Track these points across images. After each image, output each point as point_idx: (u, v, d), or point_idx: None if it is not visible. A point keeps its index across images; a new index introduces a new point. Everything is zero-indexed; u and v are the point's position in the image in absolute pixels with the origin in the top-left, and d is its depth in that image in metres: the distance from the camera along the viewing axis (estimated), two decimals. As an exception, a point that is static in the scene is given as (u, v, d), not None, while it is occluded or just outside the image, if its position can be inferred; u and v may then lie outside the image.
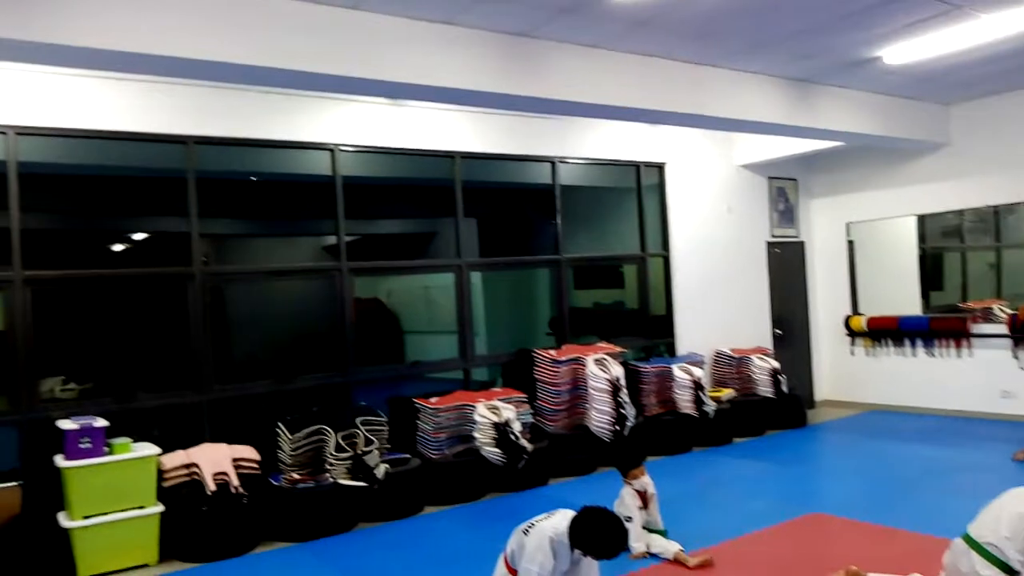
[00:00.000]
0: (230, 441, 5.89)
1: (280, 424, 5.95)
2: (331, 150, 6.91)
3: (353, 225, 7.28)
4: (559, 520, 3.51)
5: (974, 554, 3.48)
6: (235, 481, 5.48)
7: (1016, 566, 3.35)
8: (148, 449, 5.40)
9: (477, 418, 6.60)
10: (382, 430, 6.34)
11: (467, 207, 7.67)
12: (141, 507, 5.25)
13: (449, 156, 7.54)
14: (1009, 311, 8.57)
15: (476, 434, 6.58)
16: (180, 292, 6.29)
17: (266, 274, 7.72)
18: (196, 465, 5.50)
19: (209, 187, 6.55)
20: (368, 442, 6.08)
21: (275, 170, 7.33)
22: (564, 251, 8.27)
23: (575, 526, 3.42)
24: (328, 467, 5.90)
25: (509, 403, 6.84)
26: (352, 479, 5.90)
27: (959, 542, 3.60)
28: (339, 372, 6.93)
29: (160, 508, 5.30)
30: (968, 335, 8.81)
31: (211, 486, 5.37)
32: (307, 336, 8.39)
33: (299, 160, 7.00)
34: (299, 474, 5.86)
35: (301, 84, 5.44)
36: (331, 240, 7.37)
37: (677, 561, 4.71)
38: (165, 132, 6.13)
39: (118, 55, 4.36)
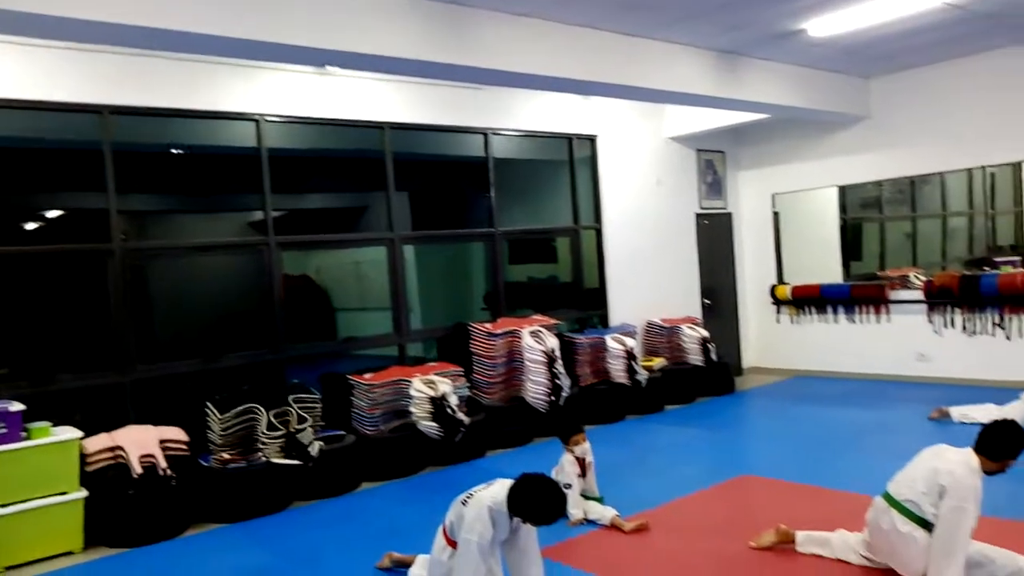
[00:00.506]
0: (156, 422, 5.69)
1: (209, 404, 5.78)
2: (256, 121, 6.69)
3: (280, 200, 7.09)
4: (497, 489, 3.51)
5: (893, 511, 3.63)
6: (163, 463, 5.31)
7: (932, 519, 3.51)
8: (69, 433, 5.18)
9: (413, 393, 6.55)
10: (315, 407, 6.23)
11: (399, 181, 7.54)
12: (64, 493, 5.04)
13: (378, 127, 7.39)
14: (924, 278, 8.94)
15: (412, 409, 6.53)
16: (99, 270, 6.02)
17: (189, 250, 7.45)
18: (121, 448, 5.31)
19: (127, 160, 6.26)
20: (301, 420, 5.97)
21: (197, 142, 7.06)
22: (498, 225, 8.24)
23: (513, 494, 3.43)
24: (260, 446, 5.78)
25: (445, 377, 6.81)
26: (285, 457, 5.79)
27: (880, 500, 3.75)
28: (269, 350, 6.77)
29: (84, 493, 5.10)
30: (886, 301, 9.17)
31: (137, 469, 5.19)
32: (235, 314, 8.16)
33: (222, 131, 6.76)
34: (230, 454, 5.72)
35: (223, 51, 5.23)
36: (258, 216, 7.15)
37: (613, 526, 4.78)
38: (78, 101, 5.82)
39: (22, 17, 4.10)
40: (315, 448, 5.87)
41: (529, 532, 3.63)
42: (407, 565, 4.21)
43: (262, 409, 5.81)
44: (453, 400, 6.59)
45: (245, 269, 7.61)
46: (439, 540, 3.66)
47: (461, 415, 6.60)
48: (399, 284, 7.56)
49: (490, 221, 8.22)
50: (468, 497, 3.55)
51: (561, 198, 8.97)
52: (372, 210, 8.61)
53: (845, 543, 4.02)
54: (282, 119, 6.86)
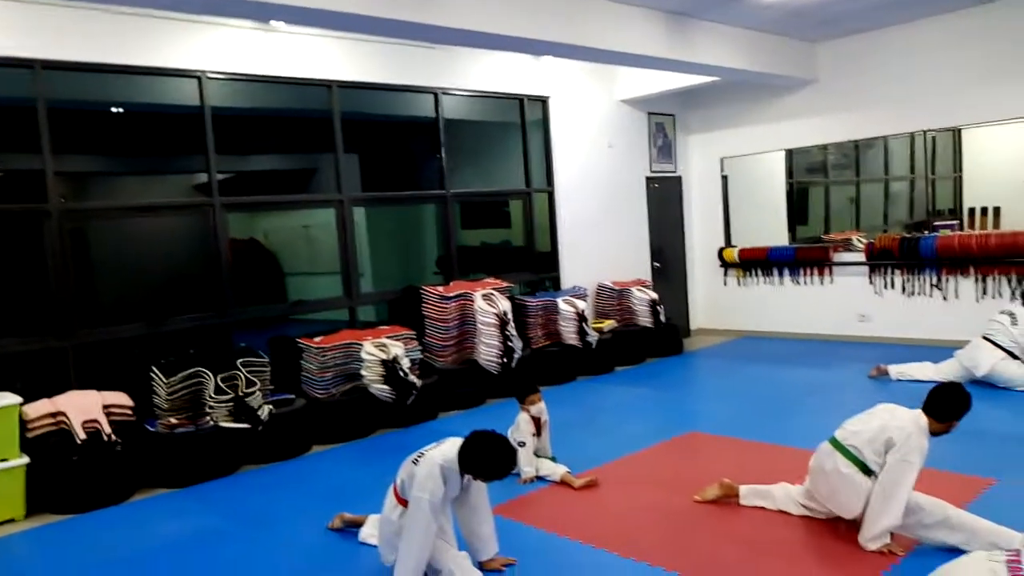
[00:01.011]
0: (100, 387, 5.58)
1: (154, 368, 5.68)
2: (198, 77, 6.49)
3: (226, 162, 6.91)
4: (448, 447, 3.53)
5: (838, 454, 3.80)
6: (107, 428, 5.22)
7: (872, 466, 3.68)
8: (7, 398, 5.04)
9: (364, 356, 6.52)
10: (264, 371, 6.17)
11: (348, 142, 7.42)
12: (4, 460, 4.92)
13: (326, 85, 7.23)
14: (867, 241, 9.17)
15: (364, 372, 6.51)
16: (36, 232, 5.82)
17: (130, 211, 7.23)
18: (63, 414, 5.19)
19: (64, 119, 6.04)
20: (249, 384, 5.90)
21: (138, 100, 6.82)
22: (450, 187, 8.18)
23: (464, 450, 3.45)
24: (208, 410, 5.70)
25: (397, 340, 6.79)
26: (234, 421, 5.73)
27: (825, 445, 3.92)
28: (215, 313, 6.65)
29: (25, 460, 4.98)
30: (830, 264, 9.39)
31: (80, 435, 5.09)
32: (180, 277, 7.98)
33: (164, 89, 6.53)
34: (177, 418, 5.64)
35: (164, 4, 5.05)
36: (203, 178, 6.97)
37: (564, 483, 4.86)
38: (9, 55, 5.57)
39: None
40: (264, 412, 5.82)
41: (480, 489, 3.67)
42: (358, 525, 4.23)
43: (209, 373, 5.72)
44: (405, 363, 6.59)
45: (191, 231, 7.42)
46: (390, 499, 3.68)
47: (413, 378, 6.60)
48: (349, 247, 7.48)
49: (441, 183, 8.15)
50: (419, 456, 3.57)
51: (513, 161, 8.93)
52: (322, 172, 8.46)
53: (787, 495, 4.17)
54: (225, 76, 6.67)
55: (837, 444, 3.84)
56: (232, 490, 5.33)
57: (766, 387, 7.48)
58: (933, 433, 3.63)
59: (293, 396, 6.37)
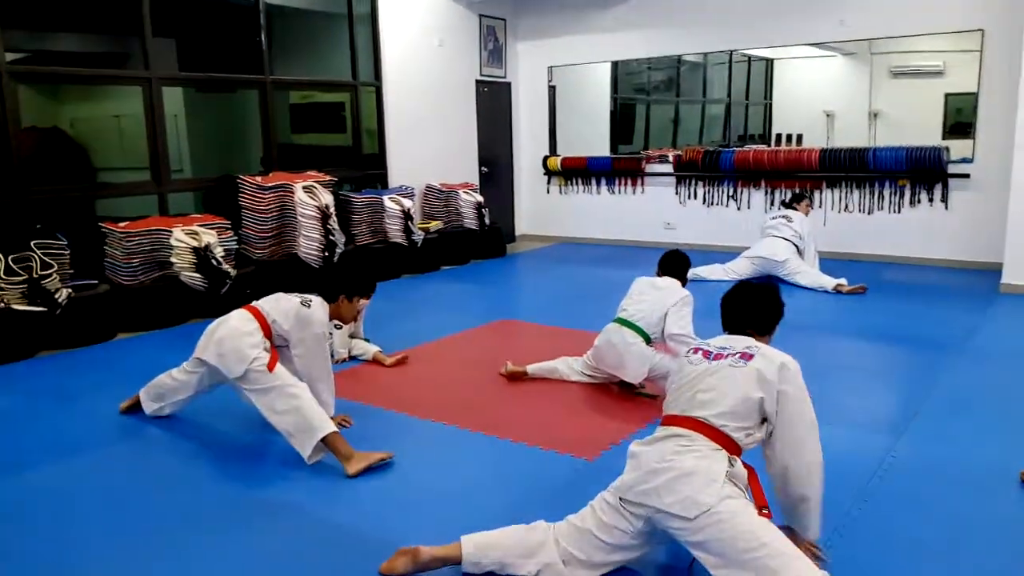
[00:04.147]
0: None
1: (-68, 247, 5.25)
2: (-23, -72, 5.82)
3: (19, 39, 6.27)
4: (308, 297, 3.94)
5: (625, 329, 4.27)
6: None
7: (653, 336, 4.25)
8: None
9: (174, 243, 6.31)
10: (63, 254, 5.83)
11: (163, 25, 6.93)
12: None
13: (133, -46, 6.70)
14: (675, 154, 9.82)
15: (174, 259, 6.32)
16: None
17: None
18: None
19: None
20: (46, 266, 5.59)
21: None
22: (270, 73, 7.89)
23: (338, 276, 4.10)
24: (-2, 292, 5.37)
25: (211, 229, 6.61)
26: (29, 304, 5.44)
27: (612, 325, 4.37)
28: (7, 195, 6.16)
29: None
30: (643, 174, 9.99)
31: None
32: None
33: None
34: (-39, 301, 5.28)
35: None
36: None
37: (376, 361, 5.06)
38: None
39: None
40: (63, 295, 5.55)
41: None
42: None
43: (-2, 254, 5.37)
44: (219, 252, 6.45)
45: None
46: (255, 337, 3.75)
47: (227, 267, 6.49)
48: (158, 132, 7.09)
49: (262, 68, 7.85)
50: (307, 300, 3.87)
51: (341, 54, 8.71)
52: (135, 58, 7.88)
53: (568, 366, 4.68)
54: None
55: (624, 322, 4.30)
56: (29, 373, 5.12)
57: (577, 284, 8.00)
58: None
59: (96, 281, 6.10)
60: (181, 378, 4.01)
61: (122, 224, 6.31)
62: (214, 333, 3.82)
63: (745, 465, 2.40)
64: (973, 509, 3.02)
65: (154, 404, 4.12)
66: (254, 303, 3.96)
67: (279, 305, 3.88)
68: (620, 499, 2.38)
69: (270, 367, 3.62)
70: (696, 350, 2.61)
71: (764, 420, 2.44)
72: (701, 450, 2.32)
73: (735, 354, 2.50)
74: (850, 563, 2.33)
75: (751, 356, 2.47)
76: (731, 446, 2.37)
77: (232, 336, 3.72)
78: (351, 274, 4.12)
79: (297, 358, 3.81)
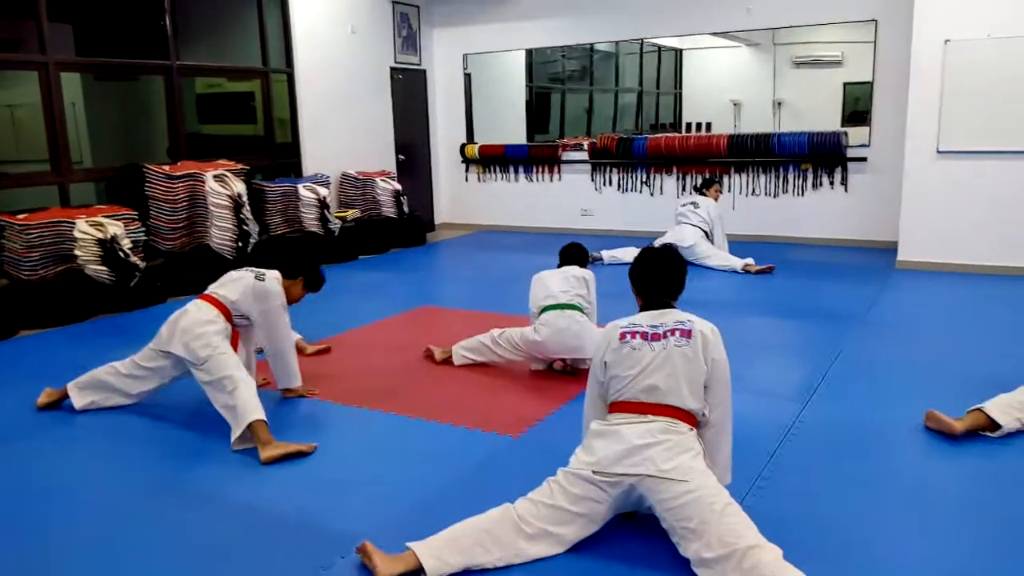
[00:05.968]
0: None
1: None
2: None
3: None
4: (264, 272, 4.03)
5: (568, 311, 4.34)
6: None
7: (587, 311, 4.41)
8: None
9: (78, 235, 6.04)
10: (-45, 248, 5.53)
11: (59, 11, 6.59)
12: None
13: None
14: (591, 140, 9.98)
15: (78, 252, 6.05)
16: None
17: None
18: None
19: None
20: (-63, 261, 5.28)
21: None
22: (176, 58, 7.62)
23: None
24: None
25: (116, 220, 6.36)
26: (-82, 302, 5.13)
27: (552, 313, 4.38)
28: None
29: None
30: (559, 162, 10.11)
31: None
32: None
33: None
34: None
35: None
36: None
37: (297, 350, 4.97)
38: None
39: None
40: (-43, 291, 5.26)
41: None
42: (65, 396, 4.06)
43: None
44: (126, 243, 6.21)
45: None
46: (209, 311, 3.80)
47: (136, 259, 6.26)
48: (57, 119, 6.76)
49: (167, 54, 7.57)
50: (261, 273, 3.96)
51: (250, 41, 8.47)
52: (28, 44, 7.48)
53: (495, 343, 4.65)
54: None
55: (564, 306, 4.36)
56: (-82, 374, 4.82)
57: (496, 270, 8.05)
58: None
59: (-6, 277, 5.80)
60: (135, 372, 3.91)
61: (21, 216, 6.01)
62: (177, 324, 3.79)
63: None
64: (875, 462, 3.26)
65: (90, 397, 3.98)
66: (207, 290, 3.96)
67: (233, 286, 3.93)
68: (593, 471, 2.52)
69: (233, 346, 3.80)
70: (632, 334, 2.69)
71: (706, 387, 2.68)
72: (682, 431, 2.57)
73: (672, 332, 2.65)
74: (766, 517, 2.46)
75: (689, 332, 2.64)
76: (694, 422, 2.65)
77: (197, 324, 3.75)
78: (317, 267, 4.26)
79: (260, 331, 3.94)
